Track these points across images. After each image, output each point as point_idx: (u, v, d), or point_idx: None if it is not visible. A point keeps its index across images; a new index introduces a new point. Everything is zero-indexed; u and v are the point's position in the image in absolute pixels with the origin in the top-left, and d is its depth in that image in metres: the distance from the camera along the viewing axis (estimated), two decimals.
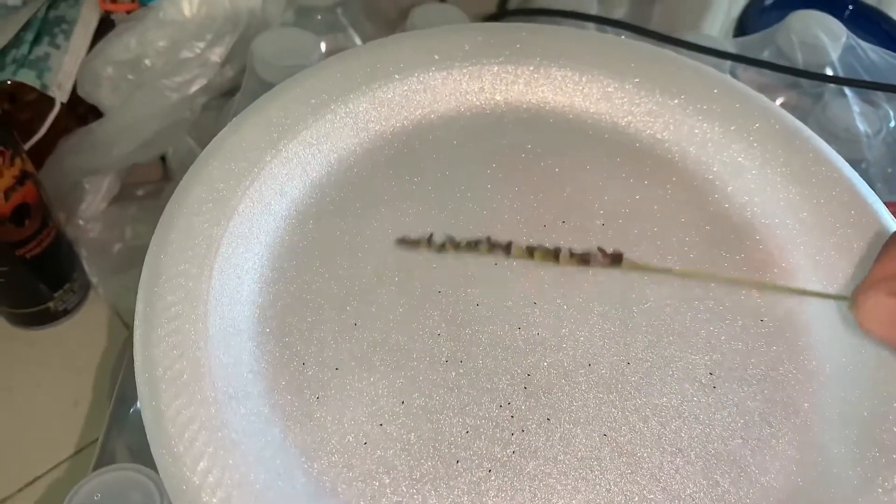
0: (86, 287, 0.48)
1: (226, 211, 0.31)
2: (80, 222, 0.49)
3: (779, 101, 0.48)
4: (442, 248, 0.32)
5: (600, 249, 0.32)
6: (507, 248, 0.32)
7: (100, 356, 0.45)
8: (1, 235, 0.40)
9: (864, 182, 0.34)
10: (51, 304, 0.45)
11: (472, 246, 0.32)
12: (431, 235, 0.32)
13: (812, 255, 0.33)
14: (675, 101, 0.37)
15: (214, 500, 0.24)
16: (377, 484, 0.27)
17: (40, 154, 0.46)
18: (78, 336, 0.46)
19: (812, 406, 0.30)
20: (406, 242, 0.32)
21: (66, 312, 0.47)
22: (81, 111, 0.49)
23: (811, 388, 0.30)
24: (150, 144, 0.48)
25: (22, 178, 0.39)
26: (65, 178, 0.48)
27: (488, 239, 0.32)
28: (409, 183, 0.34)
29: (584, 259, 0.32)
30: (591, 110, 0.37)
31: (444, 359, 0.30)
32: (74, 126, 0.48)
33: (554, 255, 0.32)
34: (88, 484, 0.28)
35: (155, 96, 0.46)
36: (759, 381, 0.30)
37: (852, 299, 0.27)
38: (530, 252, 0.32)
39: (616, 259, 0.32)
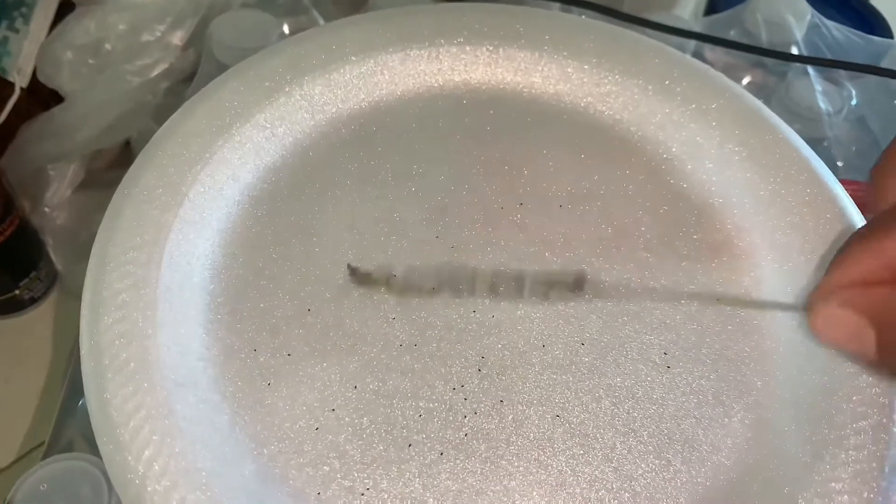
0: (53, 275, 0.48)
1: (176, 197, 0.30)
2: (46, 210, 0.49)
3: (745, 80, 0.48)
4: (402, 293, 0.31)
5: (559, 280, 0.31)
6: (470, 289, 0.31)
7: (69, 345, 0.45)
8: None
9: (821, 161, 0.34)
10: (17, 293, 0.45)
11: (434, 292, 0.31)
12: (387, 278, 0.31)
13: (769, 234, 0.33)
14: (635, 81, 0.37)
15: (159, 489, 0.24)
16: (328, 469, 0.27)
17: (1, 140, 0.46)
18: (45, 325, 0.46)
19: (765, 385, 0.30)
20: (359, 277, 0.31)
21: (32, 301, 0.46)
22: (43, 96, 0.49)
23: (764, 367, 0.30)
24: (114, 129, 0.47)
25: None
26: (28, 165, 0.47)
27: (450, 282, 0.31)
28: (367, 166, 0.34)
29: (545, 292, 0.31)
30: (551, 91, 0.37)
31: (398, 343, 0.30)
32: (36, 111, 0.47)
33: (517, 295, 0.31)
34: (35, 474, 0.28)
35: (116, 80, 0.46)
36: (713, 360, 0.30)
37: (807, 308, 0.27)
38: (494, 290, 0.31)
39: (579, 284, 0.31)
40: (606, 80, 0.37)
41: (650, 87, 0.36)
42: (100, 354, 0.27)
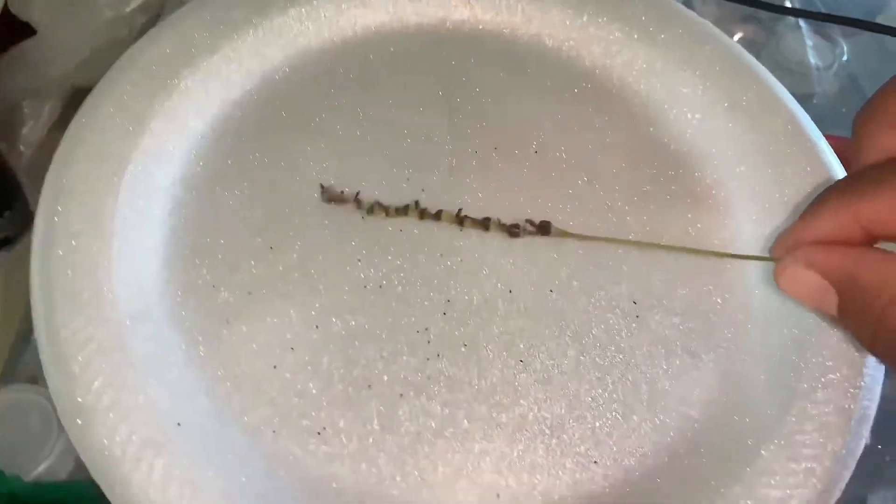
0: (27, 216, 0.46)
1: (136, 128, 0.29)
2: (21, 148, 0.47)
3: (737, 36, 0.46)
4: (370, 210, 0.30)
5: (528, 221, 0.30)
6: (436, 215, 0.30)
7: None
8: None
9: (806, 114, 0.33)
10: None
11: (401, 211, 0.30)
12: (358, 194, 0.30)
13: (748, 186, 0.32)
14: (619, 27, 0.35)
15: (108, 421, 0.24)
16: (284, 408, 0.26)
17: None
18: (19, 265, 0.45)
19: (735, 337, 0.29)
20: (331, 196, 0.30)
21: (7, 241, 0.45)
22: (16, 28, 0.47)
23: (736, 319, 0.30)
24: (89, 66, 0.46)
25: None
26: (1, 101, 0.46)
27: (417, 203, 0.31)
28: (337, 105, 0.33)
29: (513, 230, 0.30)
30: (532, 33, 0.36)
31: (362, 285, 0.29)
32: (9, 45, 0.46)
33: (483, 224, 0.30)
34: None
35: (89, 13, 0.44)
36: (683, 311, 0.30)
37: (773, 255, 0.27)
38: (460, 221, 0.30)
39: (544, 228, 0.30)
40: (590, 25, 0.36)
41: (635, 34, 0.35)
42: (50, 286, 0.26)
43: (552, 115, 0.34)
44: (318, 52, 0.34)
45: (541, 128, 0.33)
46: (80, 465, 0.26)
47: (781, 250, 0.27)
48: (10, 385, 0.28)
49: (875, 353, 0.25)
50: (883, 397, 0.28)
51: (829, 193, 0.27)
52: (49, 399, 0.25)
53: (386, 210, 0.30)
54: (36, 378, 0.32)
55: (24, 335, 0.34)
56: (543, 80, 0.35)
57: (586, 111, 0.34)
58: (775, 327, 0.29)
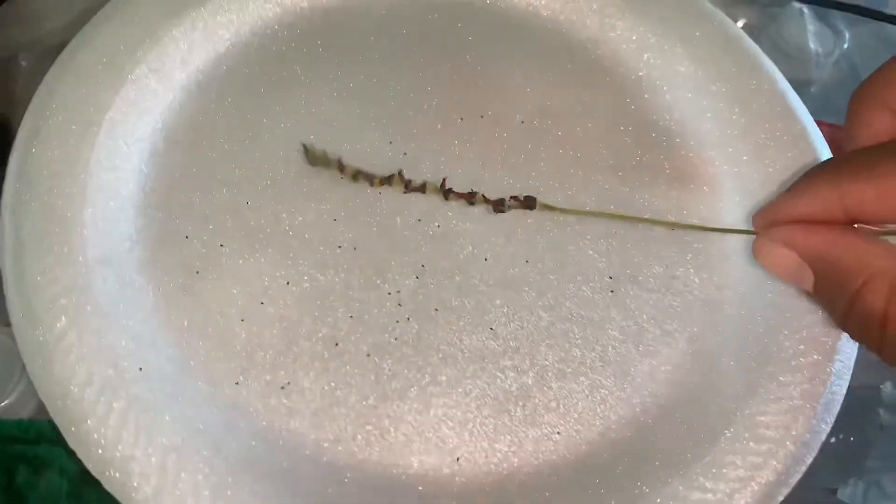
0: None
1: (118, 76, 0.29)
2: (16, 102, 0.47)
3: (741, 21, 0.46)
4: (354, 177, 0.30)
5: (513, 197, 0.30)
6: (421, 188, 0.30)
7: None
8: None
9: (798, 99, 0.33)
10: None
11: (385, 180, 0.30)
12: (341, 159, 0.30)
13: (734, 166, 0.32)
14: (614, 0, 0.35)
15: (68, 362, 0.24)
16: (248, 361, 0.26)
17: None
18: None
19: (709, 317, 0.29)
20: (314, 158, 0.30)
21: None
22: None
23: (711, 299, 0.29)
24: (84, 21, 0.46)
25: None
26: None
27: (401, 173, 0.30)
28: (325, 65, 0.33)
29: (497, 206, 0.30)
30: (527, 3, 0.36)
31: (336, 244, 0.29)
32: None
33: (468, 198, 0.30)
34: None
35: None
36: (659, 289, 0.29)
37: (754, 225, 0.27)
38: (445, 193, 0.30)
39: (529, 203, 0.30)
40: None
41: (629, 8, 0.35)
42: (21, 225, 0.26)
43: (541, 86, 0.33)
44: (309, 12, 0.34)
45: (529, 99, 0.33)
46: (41, 407, 0.26)
47: (763, 223, 0.27)
48: None
49: (847, 331, 0.25)
50: (856, 388, 0.28)
51: (817, 172, 0.26)
52: (13, 339, 0.25)
53: (370, 179, 0.30)
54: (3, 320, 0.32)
55: None
56: (534, 51, 0.34)
57: (576, 83, 0.34)
58: (750, 310, 0.29)
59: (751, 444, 0.25)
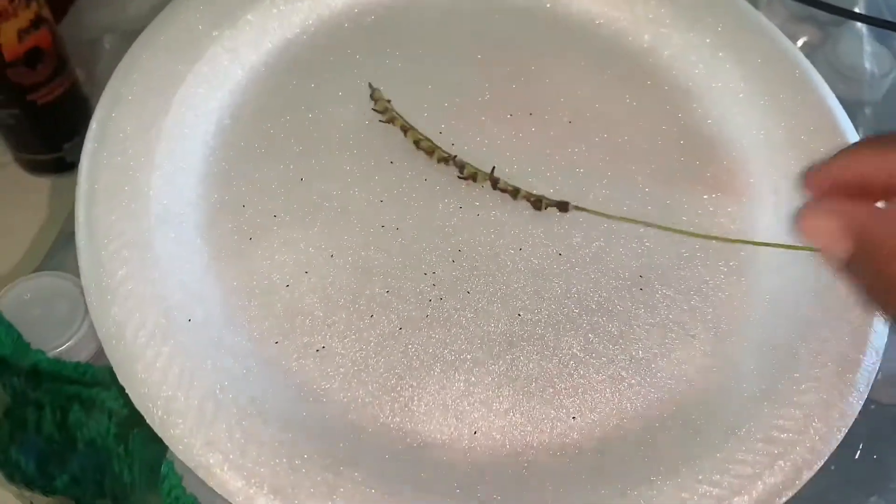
0: None
1: (193, 53, 0.32)
2: (99, 80, 0.50)
3: (801, 41, 0.46)
4: (416, 143, 0.32)
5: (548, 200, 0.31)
6: (473, 176, 0.31)
7: None
8: (13, 77, 0.41)
9: (846, 118, 0.33)
10: (62, 154, 0.47)
11: (443, 158, 0.32)
12: (404, 119, 0.32)
13: (774, 179, 0.32)
14: (669, 10, 0.36)
15: (126, 307, 0.26)
16: (289, 323, 0.28)
17: (62, 6, 0.48)
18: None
19: (734, 322, 0.30)
20: (379, 105, 0.32)
21: (73, 165, 0.48)
22: None
23: (737, 305, 0.30)
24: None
25: (37, 21, 0.40)
26: (83, 33, 0.49)
27: (455, 157, 0.32)
28: (386, 55, 0.35)
29: (536, 203, 0.31)
30: (584, 9, 0.37)
31: (380, 224, 0.31)
32: None
33: (513, 192, 0.31)
34: (22, 284, 0.30)
35: None
36: (687, 291, 0.30)
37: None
38: (493, 182, 0.31)
39: (563, 207, 0.31)
40: (641, 7, 0.36)
41: (682, 19, 0.36)
42: (93, 181, 0.28)
43: (591, 89, 0.35)
44: (375, 3, 0.36)
45: (578, 100, 0.34)
46: (98, 353, 0.28)
47: (813, 186, 0.27)
48: (47, 272, 0.30)
49: (877, 304, 0.25)
50: (884, 406, 0.28)
51: (873, 140, 0.27)
52: (79, 287, 0.27)
53: (430, 150, 0.31)
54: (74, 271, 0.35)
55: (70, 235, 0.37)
56: (588, 56, 0.36)
57: (625, 90, 0.35)
58: (775, 318, 0.29)
59: (762, 444, 0.26)
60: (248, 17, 0.33)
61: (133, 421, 0.26)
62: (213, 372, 0.26)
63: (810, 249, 0.26)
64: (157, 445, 0.25)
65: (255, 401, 0.26)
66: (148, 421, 0.25)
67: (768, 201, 0.32)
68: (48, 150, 0.46)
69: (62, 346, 0.29)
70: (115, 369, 0.25)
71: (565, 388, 0.28)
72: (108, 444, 0.28)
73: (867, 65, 0.40)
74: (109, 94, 0.30)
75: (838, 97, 0.34)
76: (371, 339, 0.28)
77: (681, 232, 0.31)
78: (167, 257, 0.28)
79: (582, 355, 0.29)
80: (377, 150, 0.32)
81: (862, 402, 0.27)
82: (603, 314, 0.29)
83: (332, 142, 0.32)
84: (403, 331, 0.29)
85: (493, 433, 0.27)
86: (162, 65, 0.31)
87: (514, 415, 0.27)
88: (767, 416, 0.27)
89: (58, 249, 0.35)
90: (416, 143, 0.32)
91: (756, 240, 0.31)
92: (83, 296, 0.27)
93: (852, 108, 0.34)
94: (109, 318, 0.26)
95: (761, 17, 0.35)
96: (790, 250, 0.27)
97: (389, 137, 0.32)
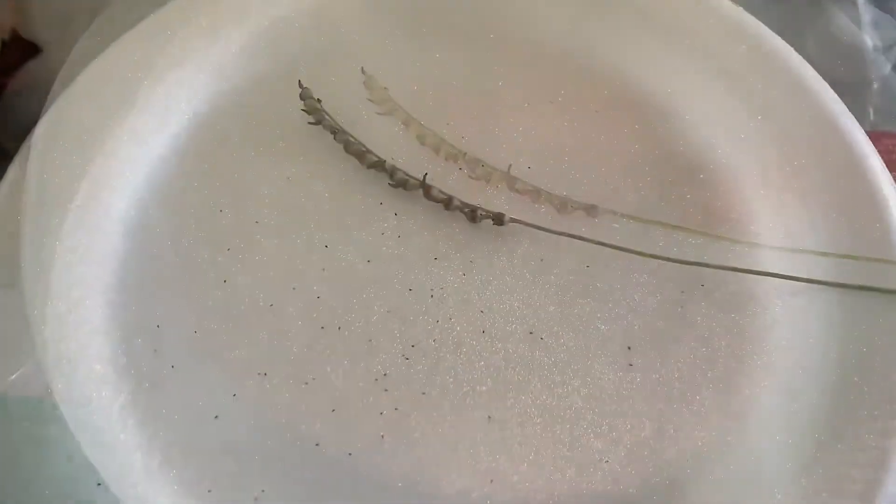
0: None
1: None
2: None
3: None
4: (419, 138, 0.28)
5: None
6: (486, 176, 0.27)
7: None
8: None
9: (858, 129, 0.28)
10: None
11: (452, 155, 0.28)
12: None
13: (775, 210, 0.28)
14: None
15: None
16: (273, 353, 0.24)
17: None
18: None
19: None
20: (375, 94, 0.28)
21: None
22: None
23: (750, 371, 0.25)
24: None
25: None
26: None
27: (466, 155, 0.28)
28: (388, 35, 0.30)
29: (562, 208, 0.27)
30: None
31: (380, 232, 0.27)
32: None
33: (532, 196, 0.27)
34: None
35: None
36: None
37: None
38: (509, 184, 0.27)
39: (591, 211, 0.27)
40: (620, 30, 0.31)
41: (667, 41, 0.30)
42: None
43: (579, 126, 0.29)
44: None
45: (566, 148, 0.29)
46: None
47: None
48: None
49: None
50: None
51: None
52: None
53: (436, 147, 0.28)
54: None
55: None
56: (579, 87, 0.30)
57: (619, 120, 0.30)
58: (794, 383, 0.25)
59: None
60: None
61: None
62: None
63: None
64: None
65: (229, 445, 0.22)
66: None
67: (769, 233, 0.27)
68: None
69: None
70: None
71: (595, 427, 0.24)
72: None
73: (868, 39, 0.33)
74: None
75: (839, 81, 0.29)
76: (369, 368, 0.24)
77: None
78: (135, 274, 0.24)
79: (614, 387, 0.25)
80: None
81: None
82: (637, 336, 0.25)
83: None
84: (409, 359, 0.25)
85: (514, 481, 0.23)
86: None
87: (536, 459, 0.23)
88: (803, 487, 0.23)
89: None
90: (419, 138, 0.27)
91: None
92: None
93: (858, 90, 0.29)
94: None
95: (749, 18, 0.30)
96: None
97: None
